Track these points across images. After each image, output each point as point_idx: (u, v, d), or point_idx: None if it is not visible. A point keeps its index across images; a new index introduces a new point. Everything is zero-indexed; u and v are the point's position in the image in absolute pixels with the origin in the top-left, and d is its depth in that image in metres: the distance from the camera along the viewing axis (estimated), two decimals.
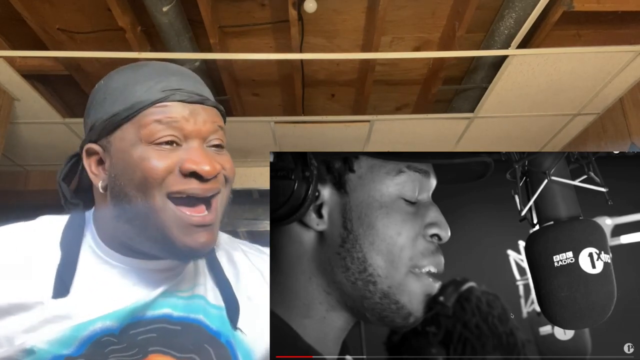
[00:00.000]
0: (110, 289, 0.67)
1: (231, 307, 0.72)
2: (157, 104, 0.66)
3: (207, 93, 0.73)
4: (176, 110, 0.67)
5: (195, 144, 0.67)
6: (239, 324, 0.72)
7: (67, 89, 2.44)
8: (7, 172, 3.09)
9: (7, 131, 2.35)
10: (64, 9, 2.00)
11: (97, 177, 0.69)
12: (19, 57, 2.15)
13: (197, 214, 0.65)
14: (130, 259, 0.70)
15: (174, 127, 0.66)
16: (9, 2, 1.86)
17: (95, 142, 0.69)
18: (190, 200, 0.65)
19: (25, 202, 3.06)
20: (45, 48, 2.10)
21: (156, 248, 0.66)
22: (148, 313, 0.67)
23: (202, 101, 0.69)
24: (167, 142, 0.65)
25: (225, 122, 0.76)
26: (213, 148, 0.69)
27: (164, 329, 0.66)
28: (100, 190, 0.68)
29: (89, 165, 0.70)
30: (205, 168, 0.64)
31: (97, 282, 0.67)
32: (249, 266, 0.80)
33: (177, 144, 0.66)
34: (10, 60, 2.12)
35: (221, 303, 0.73)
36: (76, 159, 0.75)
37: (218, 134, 0.70)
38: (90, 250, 0.70)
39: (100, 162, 0.69)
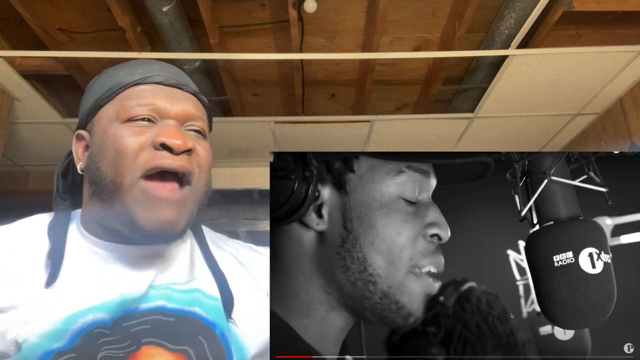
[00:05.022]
0: (97, 277, 0.66)
1: (226, 298, 0.72)
2: (136, 85, 0.70)
3: (190, 84, 0.76)
4: (153, 91, 0.70)
5: (171, 122, 0.69)
6: (233, 318, 0.72)
7: (67, 89, 2.44)
8: (7, 172, 3.09)
9: (7, 131, 2.35)
10: (64, 9, 2.00)
11: (80, 161, 0.72)
12: (19, 57, 2.15)
13: (166, 189, 0.65)
14: (113, 245, 0.69)
15: (150, 106, 0.68)
16: (9, 2, 1.86)
17: (83, 128, 0.74)
18: (162, 174, 0.65)
19: (25, 202, 3.06)
20: (45, 48, 2.10)
21: (122, 226, 0.66)
22: (141, 306, 0.66)
23: (179, 86, 0.72)
24: (143, 119, 0.67)
25: (211, 118, 0.77)
26: (193, 133, 0.71)
27: (158, 320, 0.66)
28: (79, 172, 0.71)
29: (76, 150, 0.74)
30: (175, 141, 0.65)
31: (84, 271, 0.67)
32: (237, 263, 0.80)
33: (152, 122, 0.68)
34: (10, 60, 2.12)
35: (217, 294, 0.72)
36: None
37: (196, 121, 0.72)
38: (76, 240, 0.70)
39: (87, 147, 0.72)
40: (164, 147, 0.65)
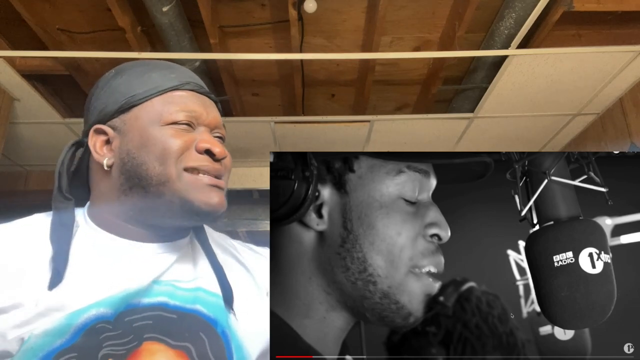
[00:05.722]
0: (103, 273, 0.67)
1: (225, 291, 0.74)
2: (174, 91, 0.74)
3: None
4: (191, 98, 0.75)
5: (203, 129, 0.75)
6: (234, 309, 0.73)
7: (67, 89, 2.44)
8: (7, 172, 3.09)
9: (7, 131, 2.35)
10: (64, 9, 2.00)
11: (102, 157, 0.73)
12: (19, 57, 2.15)
13: (212, 178, 0.72)
14: (127, 241, 0.71)
15: (191, 113, 0.73)
16: (9, 2, 1.86)
17: (104, 123, 0.74)
18: (206, 173, 0.72)
19: (25, 202, 3.05)
20: (45, 48, 2.10)
21: (172, 212, 0.70)
22: (143, 300, 0.67)
23: (208, 94, 0.78)
24: (183, 124, 0.72)
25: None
26: (217, 139, 0.77)
27: (159, 316, 0.66)
28: (105, 168, 0.72)
29: (94, 144, 0.74)
30: (217, 149, 0.72)
31: (90, 269, 0.67)
32: (236, 262, 0.81)
33: (190, 127, 0.73)
34: (10, 60, 2.13)
35: (218, 290, 0.73)
36: (75, 148, 0.76)
37: (221, 128, 0.78)
38: (83, 240, 0.70)
39: (107, 142, 0.74)
40: (208, 152, 0.72)
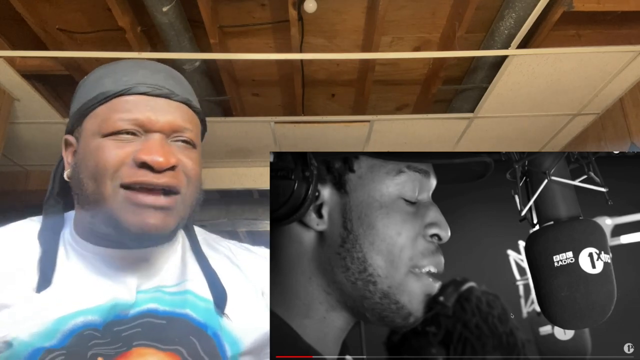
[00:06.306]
0: (88, 281, 0.66)
1: (218, 293, 0.72)
2: (120, 96, 0.67)
3: (181, 89, 0.71)
4: (137, 103, 0.66)
5: (156, 136, 0.66)
6: (227, 313, 0.72)
7: (67, 89, 2.44)
8: (7, 172, 3.10)
9: (7, 131, 2.35)
10: (64, 9, 2.00)
11: (68, 167, 0.71)
12: (19, 57, 2.15)
13: (149, 199, 0.63)
14: (103, 249, 0.69)
15: (133, 120, 0.65)
16: (9, 2, 1.86)
17: (71, 133, 0.72)
18: (144, 189, 0.64)
19: (25, 202, 3.06)
20: (45, 48, 2.10)
21: (110, 230, 0.65)
22: (132, 311, 0.66)
23: (167, 95, 0.68)
24: (126, 133, 0.65)
25: (204, 121, 0.75)
26: (180, 143, 0.68)
27: (149, 323, 0.66)
28: (66, 179, 0.71)
29: (67, 156, 0.73)
30: (157, 159, 0.63)
31: (75, 275, 0.67)
32: (230, 264, 0.79)
33: (136, 135, 0.65)
34: (10, 60, 2.13)
35: (209, 295, 0.72)
36: None
37: (184, 132, 0.68)
38: (67, 244, 0.70)
39: (75, 153, 0.71)
40: (145, 165, 0.63)
